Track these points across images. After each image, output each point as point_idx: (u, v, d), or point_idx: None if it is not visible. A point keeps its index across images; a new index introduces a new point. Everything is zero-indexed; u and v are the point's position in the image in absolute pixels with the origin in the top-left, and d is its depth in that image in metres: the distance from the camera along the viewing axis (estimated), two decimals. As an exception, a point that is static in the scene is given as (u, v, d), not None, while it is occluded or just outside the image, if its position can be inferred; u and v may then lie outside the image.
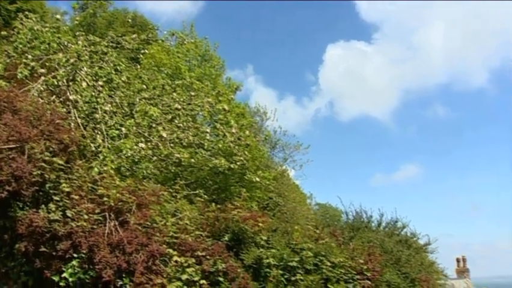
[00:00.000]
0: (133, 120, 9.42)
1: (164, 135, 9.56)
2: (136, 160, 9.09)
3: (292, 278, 6.88)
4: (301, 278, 6.88)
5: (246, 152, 10.57)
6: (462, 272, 44.52)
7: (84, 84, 9.15)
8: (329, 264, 7.09)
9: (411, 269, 8.01)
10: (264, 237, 7.32)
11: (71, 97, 8.93)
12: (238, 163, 10.32)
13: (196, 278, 6.58)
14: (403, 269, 7.94)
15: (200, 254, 6.86)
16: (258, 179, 10.87)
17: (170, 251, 6.87)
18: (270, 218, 8.40)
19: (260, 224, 7.34)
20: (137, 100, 9.88)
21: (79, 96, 9.20)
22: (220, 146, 10.57)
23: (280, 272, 6.94)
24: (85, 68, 9.12)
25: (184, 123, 10.19)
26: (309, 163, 20.77)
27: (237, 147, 10.39)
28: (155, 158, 9.64)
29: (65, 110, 8.53)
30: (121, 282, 6.32)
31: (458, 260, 46.23)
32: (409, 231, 9.56)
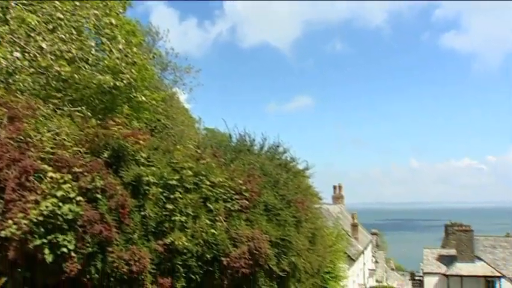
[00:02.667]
0: (7, 26, 8.65)
1: (44, 46, 8.91)
2: (11, 71, 8.45)
3: (172, 196, 6.94)
4: (181, 196, 6.97)
5: (133, 71, 10.20)
6: (337, 198, 48.11)
7: None
8: (208, 183, 7.21)
9: (288, 191, 8.37)
10: (144, 155, 7.25)
11: None
12: (124, 81, 9.95)
13: (72, 195, 6.42)
14: (281, 191, 8.27)
15: (77, 170, 6.66)
16: (144, 99, 10.59)
17: (46, 166, 6.61)
18: (158, 140, 8.28)
19: (141, 142, 7.25)
20: (13, 5, 9.02)
21: None
22: (106, 62, 10.10)
23: (160, 190, 6.96)
24: None
25: (67, 35, 9.55)
26: (199, 87, 20.78)
27: (123, 64, 9.98)
28: (32, 70, 8.99)
29: None
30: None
31: (334, 187, 49.75)
32: (289, 156, 9.90)
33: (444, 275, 59.96)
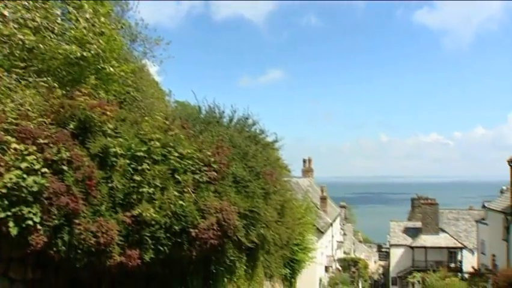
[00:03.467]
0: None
1: (6, 13, 8.61)
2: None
3: (139, 168, 6.88)
4: (149, 167, 6.91)
5: (101, 41, 9.96)
6: (307, 172, 48.70)
7: None
8: (176, 155, 7.15)
9: (257, 163, 8.40)
10: (111, 126, 7.14)
11: None
12: (92, 52, 9.72)
13: (37, 167, 6.29)
14: (249, 163, 8.29)
15: (42, 141, 6.52)
16: (113, 70, 10.37)
17: (9, 138, 6.45)
18: (126, 111, 8.16)
19: (108, 113, 7.13)
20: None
21: None
22: (73, 32, 9.83)
23: (128, 161, 6.90)
24: None
25: (31, 3, 9.24)
26: (170, 59, 20.43)
27: (91, 34, 9.74)
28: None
29: None
30: None
31: (304, 161, 50.31)
32: (258, 128, 9.92)
33: (409, 246, 61.72)
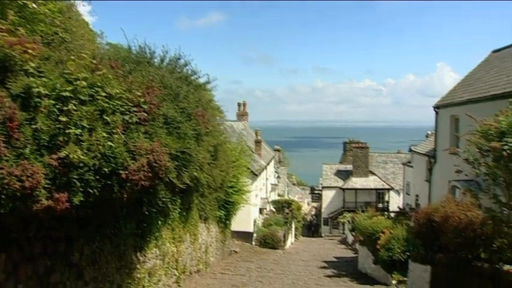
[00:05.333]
0: None
1: None
2: None
3: (65, 108, 6.59)
4: (75, 108, 6.63)
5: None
6: (242, 115, 48.96)
7: None
8: (104, 95, 6.90)
9: (189, 104, 8.28)
10: (34, 65, 6.75)
11: None
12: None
13: (-48, 108, 5.92)
14: (181, 104, 8.15)
15: (-44, 81, 6.12)
16: (37, 7, 9.73)
17: None
18: (50, 50, 7.71)
19: (30, 51, 6.71)
20: None
21: None
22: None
23: (52, 102, 6.58)
24: None
25: None
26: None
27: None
28: None
29: None
30: None
31: (239, 104, 50.45)
32: (190, 69, 9.73)
33: (340, 188, 64.31)
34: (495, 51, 27.68)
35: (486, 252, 9.86)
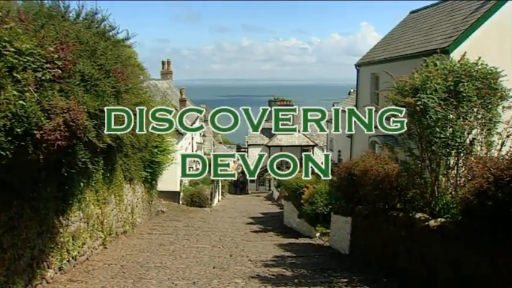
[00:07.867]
0: None
1: None
2: None
3: (-32, 65, 6.12)
4: (-19, 65, 6.18)
5: None
6: (166, 74, 48.02)
7: None
8: (13, 50, 6.43)
9: (107, 61, 7.95)
10: None
11: None
12: None
13: None
14: (98, 60, 7.80)
15: None
16: None
17: None
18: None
19: None
20: None
21: None
22: None
23: (-47, 58, 6.09)
24: None
25: None
26: None
27: None
28: None
29: None
30: None
31: (163, 63, 49.40)
32: (108, 25, 9.31)
33: (266, 145, 65.28)
34: (412, 12, 28.53)
35: (401, 202, 10.41)
